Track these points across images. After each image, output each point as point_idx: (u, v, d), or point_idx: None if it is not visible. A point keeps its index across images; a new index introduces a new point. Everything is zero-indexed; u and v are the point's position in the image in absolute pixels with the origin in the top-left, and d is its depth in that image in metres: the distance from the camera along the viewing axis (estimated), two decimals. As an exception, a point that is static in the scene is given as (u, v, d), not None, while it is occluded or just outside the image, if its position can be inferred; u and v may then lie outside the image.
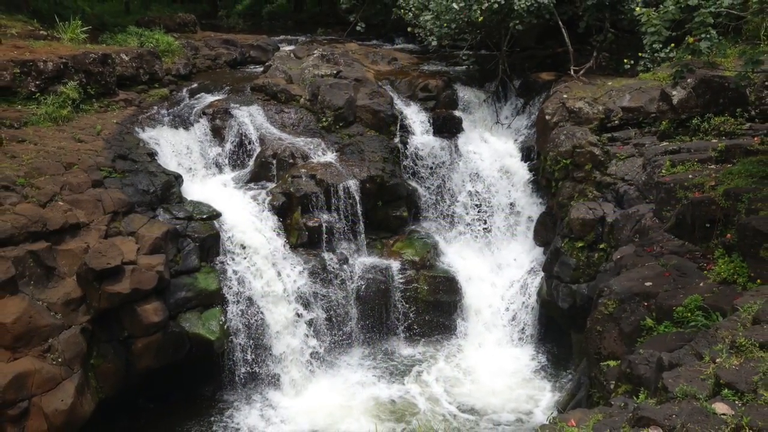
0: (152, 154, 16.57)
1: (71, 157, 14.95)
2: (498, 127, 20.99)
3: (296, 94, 19.94)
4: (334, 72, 20.85)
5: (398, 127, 19.49)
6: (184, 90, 20.06)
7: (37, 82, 16.52)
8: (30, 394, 11.60)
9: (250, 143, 18.13)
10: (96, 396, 12.97)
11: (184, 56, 22.30)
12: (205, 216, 15.53)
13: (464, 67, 22.48)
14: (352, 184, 17.30)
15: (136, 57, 19.52)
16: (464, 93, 21.31)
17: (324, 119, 19.17)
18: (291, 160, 17.52)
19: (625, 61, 17.71)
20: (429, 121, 20.18)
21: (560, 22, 19.27)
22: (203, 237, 15.15)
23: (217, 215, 15.68)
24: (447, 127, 20.21)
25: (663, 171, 13.88)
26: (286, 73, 20.83)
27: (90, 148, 15.62)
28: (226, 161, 18.04)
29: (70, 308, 12.69)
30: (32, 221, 12.81)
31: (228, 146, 18.05)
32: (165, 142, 17.37)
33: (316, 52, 22.59)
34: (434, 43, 21.46)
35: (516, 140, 20.24)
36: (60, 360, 12.15)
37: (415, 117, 20.17)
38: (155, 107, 18.56)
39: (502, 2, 18.57)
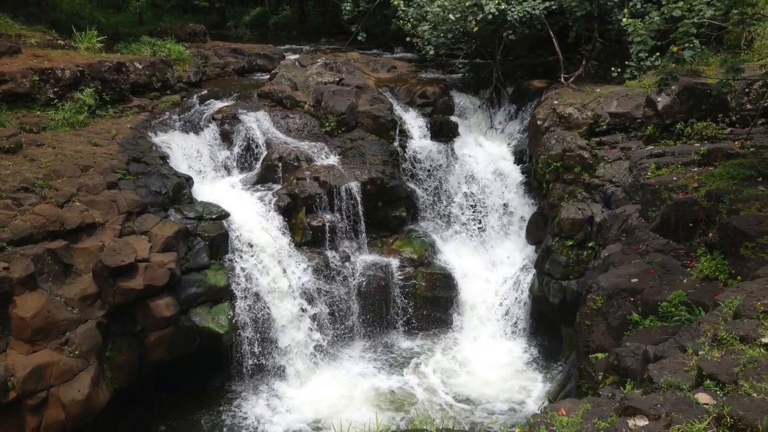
0: (164, 158, 16.57)
1: (87, 160, 14.95)
2: (492, 132, 20.94)
3: (301, 100, 19.94)
4: (337, 79, 20.83)
5: (397, 132, 19.47)
6: (195, 96, 20.02)
7: (55, 89, 16.52)
8: (48, 385, 11.62)
9: (257, 147, 18.12)
10: (111, 387, 12.96)
11: (195, 65, 22.28)
12: (214, 216, 15.51)
13: (460, 75, 22.44)
14: (354, 185, 17.29)
15: (149, 65, 19.51)
16: (460, 99, 21.28)
17: (327, 124, 19.14)
18: (296, 163, 17.49)
19: (612, 69, 17.72)
20: (426, 126, 20.16)
21: (551, 32, 19.26)
22: (213, 236, 15.14)
23: (225, 215, 15.67)
24: (444, 132, 20.21)
25: (648, 173, 13.87)
26: (291, 81, 20.82)
27: (105, 151, 15.61)
28: (234, 164, 18.03)
29: (86, 303, 12.68)
30: (50, 221, 12.83)
31: (236, 150, 18.04)
32: (176, 146, 17.39)
33: (319, 60, 22.57)
34: (431, 52, 21.43)
35: (509, 144, 20.19)
36: (77, 352, 12.15)
37: (414, 122, 20.11)
38: (167, 113, 18.57)
39: (496, 13, 18.57)
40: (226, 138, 18.18)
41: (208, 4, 28.90)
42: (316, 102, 19.75)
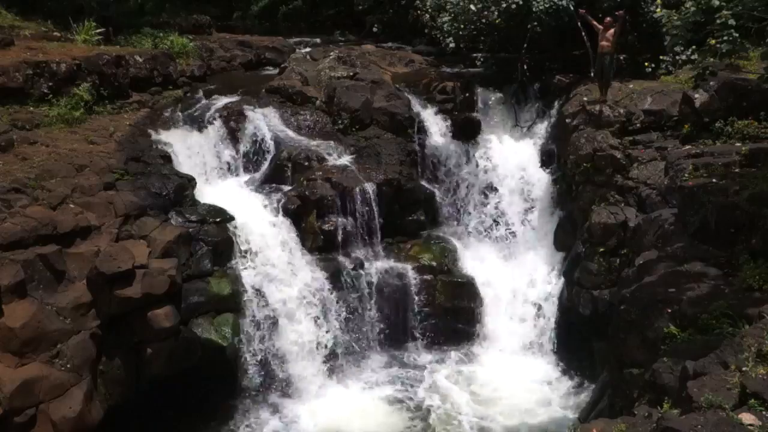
0: (165, 156, 16.49)
1: (83, 159, 14.91)
2: (517, 131, 20.63)
3: (312, 96, 19.83)
4: (351, 74, 20.77)
5: (415, 131, 19.31)
6: (199, 92, 20.00)
7: (50, 84, 16.50)
8: (38, 401, 11.49)
9: (264, 146, 18.02)
10: (105, 403, 12.83)
11: (199, 58, 22.27)
12: (218, 219, 15.37)
13: (482, 69, 22.24)
14: (369, 187, 17.19)
15: (150, 58, 19.50)
16: (482, 95, 21.00)
17: (340, 122, 19.04)
18: (306, 163, 17.42)
19: (646, 64, 17.53)
20: (446, 124, 19.91)
21: (579, 24, 19.05)
22: (216, 241, 15.00)
23: (230, 219, 15.53)
24: (465, 130, 19.91)
25: (686, 175, 13.64)
26: (302, 75, 20.79)
27: (102, 150, 15.58)
28: (240, 164, 17.94)
29: (80, 313, 12.56)
30: (42, 224, 12.74)
31: (242, 148, 17.95)
32: (179, 144, 17.29)
33: (332, 54, 22.56)
34: (452, 45, 21.26)
35: (535, 144, 19.91)
36: (69, 366, 12.04)
37: (432, 119, 19.89)
38: (169, 109, 18.52)
39: (521, 3, 18.42)
40: (232, 136, 18.04)
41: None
42: (329, 98, 19.64)
